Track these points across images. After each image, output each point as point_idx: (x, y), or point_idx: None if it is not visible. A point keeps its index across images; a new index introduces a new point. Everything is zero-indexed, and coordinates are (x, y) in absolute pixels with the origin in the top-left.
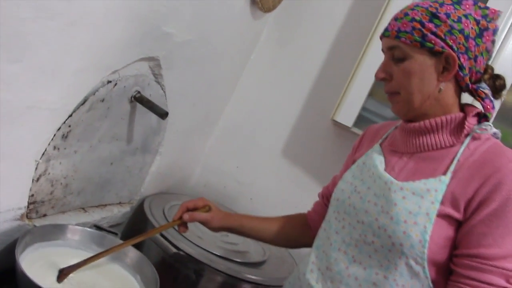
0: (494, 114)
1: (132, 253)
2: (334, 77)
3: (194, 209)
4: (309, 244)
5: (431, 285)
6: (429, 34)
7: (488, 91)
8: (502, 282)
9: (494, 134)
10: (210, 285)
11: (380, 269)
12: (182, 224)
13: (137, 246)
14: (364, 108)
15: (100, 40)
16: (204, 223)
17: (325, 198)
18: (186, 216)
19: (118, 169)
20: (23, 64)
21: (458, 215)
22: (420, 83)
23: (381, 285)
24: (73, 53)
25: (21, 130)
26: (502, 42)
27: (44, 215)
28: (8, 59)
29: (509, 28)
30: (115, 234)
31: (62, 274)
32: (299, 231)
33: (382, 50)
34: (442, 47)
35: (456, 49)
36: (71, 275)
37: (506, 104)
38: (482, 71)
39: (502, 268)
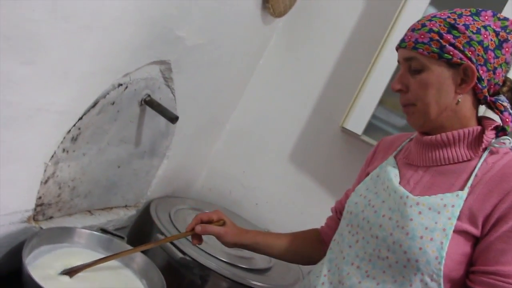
0: None
1: (138, 258)
2: (344, 84)
3: (208, 222)
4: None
5: None
6: (447, 46)
7: (507, 103)
8: None
9: None
10: None
11: (394, 285)
12: (196, 236)
13: (143, 251)
14: (374, 116)
15: (112, 43)
16: (217, 236)
17: (339, 212)
18: (198, 228)
19: (125, 172)
20: (35, 66)
21: (475, 231)
22: (437, 94)
23: None
24: (85, 56)
25: (31, 132)
26: None
27: (51, 218)
28: (20, 61)
29: None
30: (122, 238)
31: (72, 272)
32: (313, 248)
33: (398, 61)
34: (461, 59)
35: (474, 60)
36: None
37: None
38: (501, 83)
39: None
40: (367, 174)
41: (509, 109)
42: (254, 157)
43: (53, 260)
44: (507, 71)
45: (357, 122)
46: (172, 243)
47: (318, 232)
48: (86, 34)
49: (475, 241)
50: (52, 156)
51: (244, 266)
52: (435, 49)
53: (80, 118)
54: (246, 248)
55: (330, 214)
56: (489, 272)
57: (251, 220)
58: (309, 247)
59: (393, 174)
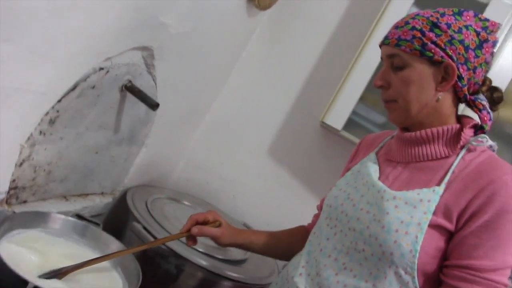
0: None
1: (114, 245)
2: (326, 79)
3: (204, 222)
4: None
5: None
6: (429, 43)
7: (485, 102)
8: None
9: (490, 147)
10: (190, 281)
11: (369, 277)
12: (191, 237)
13: (119, 239)
14: (354, 112)
15: (95, 25)
16: (213, 238)
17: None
18: (195, 230)
19: (103, 158)
20: (14, 43)
21: (450, 226)
22: (418, 91)
23: None
24: (67, 36)
25: (8, 112)
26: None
27: (24, 202)
28: (0, 38)
29: (502, 41)
30: (98, 224)
31: (60, 274)
32: (302, 244)
33: (381, 58)
34: (442, 57)
35: (455, 59)
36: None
37: (500, 120)
38: (480, 82)
39: (491, 281)
40: (348, 170)
41: (488, 108)
42: (233, 149)
43: (26, 244)
44: (486, 71)
45: (337, 118)
46: (148, 231)
47: (306, 229)
48: (69, 13)
49: (450, 236)
50: (29, 138)
51: (219, 257)
52: (417, 47)
53: (59, 101)
54: (240, 247)
55: (308, 207)
56: (461, 266)
57: (228, 212)
58: (299, 245)
59: (373, 169)
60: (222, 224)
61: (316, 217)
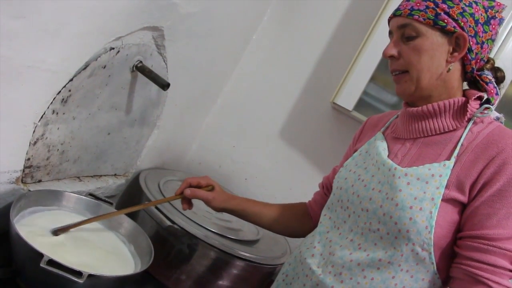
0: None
1: (126, 223)
2: (336, 60)
3: (197, 186)
4: (308, 234)
5: (436, 270)
6: (442, 14)
7: (491, 77)
8: (506, 264)
9: (498, 119)
10: (203, 260)
11: (384, 256)
12: (186, 201)
13: (132, 217)
14: (365, 92)
15: (106, 4)
16: (205, 201)
17: (325, 188)
18: (188, 192)
19: (115, 139)
20: (26, 20)
21: (463, 198)
22: (429, 61)
23: (385, 270)
24: (78, 14)
25: (21, 90)
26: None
27: (39, 181)
28: (11, 14)
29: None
30: (110, 203)
31: (59, 231)
32: (299, 221)
33: (390, 31)
34: (454, 27)
35: (466, 31)
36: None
37: (507, 96)
38: (485, 59)
39: (506, 250)
40: (355, 151)
41: (494, 83)
42: (245, 132)
43: (40, 221)
44: (491, 49)
45: (348, 98)
46: (160, 211)
47: (306, 206)
48: None
49: (463, 208)
50: (42, 117)
51: (232, 237)
52: (430, 16)
53: (71, 80)
54: (233, 213)
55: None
56: (475, 236)
57: (240, 194)
58: (297, 221)
59: (382, 148)
60: (215, 189)
61: (317, 195)
